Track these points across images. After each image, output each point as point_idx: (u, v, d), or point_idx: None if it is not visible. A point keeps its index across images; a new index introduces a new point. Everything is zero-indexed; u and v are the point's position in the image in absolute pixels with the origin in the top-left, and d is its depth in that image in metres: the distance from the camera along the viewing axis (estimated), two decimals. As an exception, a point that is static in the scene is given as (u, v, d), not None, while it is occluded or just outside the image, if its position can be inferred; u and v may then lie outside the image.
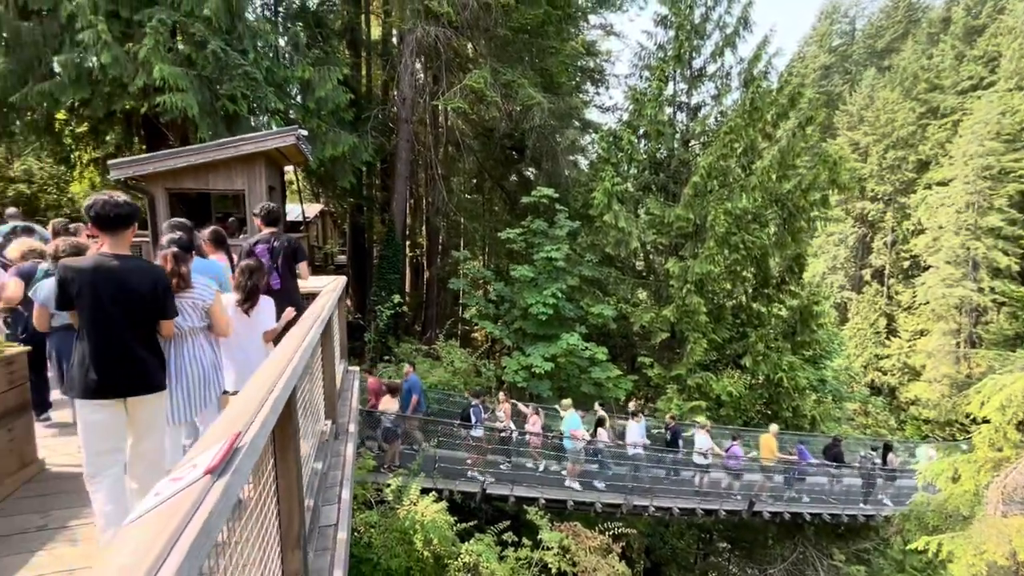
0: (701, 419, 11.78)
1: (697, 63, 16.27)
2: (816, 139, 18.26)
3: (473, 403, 9.81)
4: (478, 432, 9.70)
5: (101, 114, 11.21)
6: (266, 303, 3.69)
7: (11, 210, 6.95)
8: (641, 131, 16.61)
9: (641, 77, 17.58)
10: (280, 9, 15.29)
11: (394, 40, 20.59)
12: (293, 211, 16.74)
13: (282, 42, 13.10)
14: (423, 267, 26.95)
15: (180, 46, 10.97)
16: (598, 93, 23.21)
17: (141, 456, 2.67)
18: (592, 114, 23.82)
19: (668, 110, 16.41)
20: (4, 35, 10.05)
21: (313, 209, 21.16)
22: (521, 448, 10.40)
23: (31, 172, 16.91)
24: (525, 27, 16.57)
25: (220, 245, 4.44)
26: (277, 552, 2.19)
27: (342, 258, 24.80)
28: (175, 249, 3.02)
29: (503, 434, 10.31)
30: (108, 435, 2.58)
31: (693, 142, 16.66)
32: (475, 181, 25.95)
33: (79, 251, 3.54)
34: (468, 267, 16.53)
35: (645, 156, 16.74)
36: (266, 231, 4.69)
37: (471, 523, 7.70)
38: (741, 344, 15.03)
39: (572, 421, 10.07)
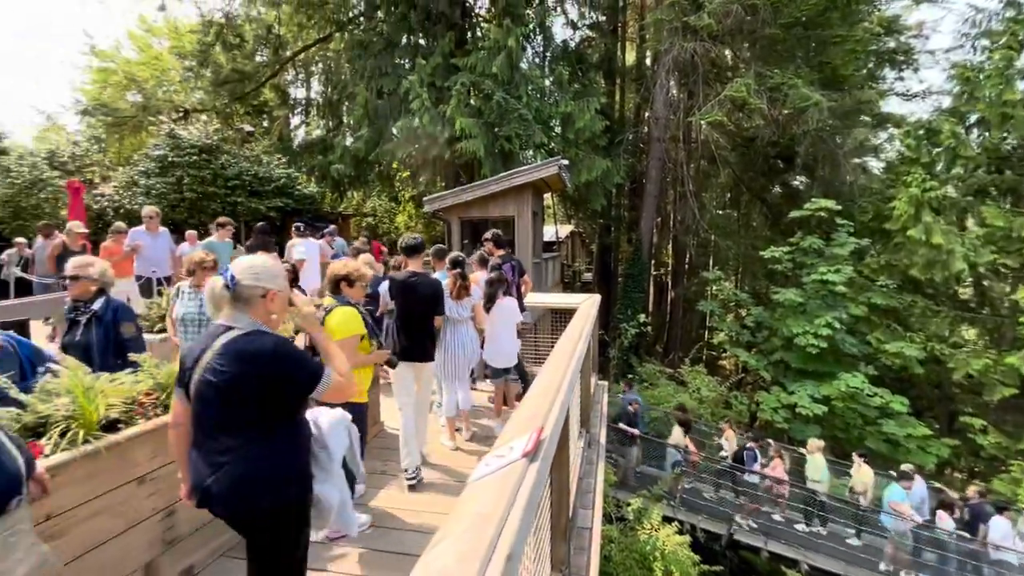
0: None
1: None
2: None
3: (748, 446, 9.07)
4: (753, 479, 8.86)
5: (419, 163, 14.59)
6: (509, 302, 4.79)
7: (331, 227, 9.55)
8: (973, 118, 12.69)
9: (974, 48, 13.50)
10: (547, 54, 17.30)
11: (647, 62, 20.91)
12: (548, 233, 18.55)
13: (547, 82, 14.73)
14: (667, 287, 26.20)
15: (472, 101, 13.48)
16: (900, 78, 18.73)
17: (422, 401, 3.91)
18: (891, 105, 19.32)
19: (1022, 86, 12.10)
20: (368, 112, 14.09)
21: (565, 230, 22.99)
22: (758, 492, 9.02)
23: (374, 208, 23.19)
24: (798, 20, 14.65)
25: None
26: (548, 539, 2.47)
27: (588, 276, 26.11)
28: (459, 270, 4.34)
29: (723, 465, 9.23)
30: (407, 385, 3.69)
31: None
32: (729, 195, 24.02)
33: (398, 267, 5.05)
34: (719, 288, 15.34)
35: (979, 151, 12.69)
36: (498, 253, 5.62)
37: (716, 568, 7.05)
38: None
39: (895, 492, 7.95)
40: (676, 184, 21.90)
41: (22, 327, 3.83)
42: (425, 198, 11.00)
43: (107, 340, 2.97)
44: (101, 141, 15.20)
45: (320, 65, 19.46)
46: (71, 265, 3.08)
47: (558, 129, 14.90)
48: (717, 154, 15.24)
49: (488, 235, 6.30)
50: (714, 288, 15.45)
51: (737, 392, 13.42)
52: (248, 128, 14.55)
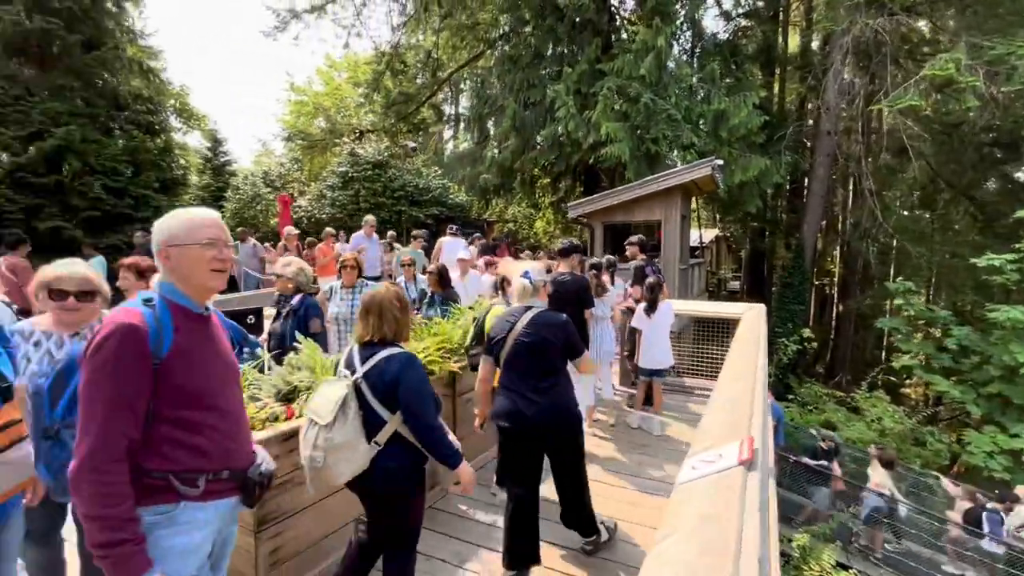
0: None
1: None
2: None
3: (989, 506, 7.23)
4: (993, 547, 6.97)
5: (560, 169, 14.86)
6: (666, 307, 4.88)
7: (477, 233, 10.01)
8: None
9: None
10: (696, 49, 16.38)
11: (814, 46, 18.63)
12: (691, 237, 17.49)
13: (695, 79, 13.94)
14: (832, 299, 23.00)
15: (617, 105, 13.32)
16: None
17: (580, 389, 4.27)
18: None
19: None
20: (515, 122, 14.74)
21: (709, 235, 21.50)
22: (998, 565, 7.21)
23: (514, 215, 24.20)
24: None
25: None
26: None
27: (735, 284, 24.08)
28: (593, 271, 4.82)
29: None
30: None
31: None
32: (918, 194, 20.23)
33: (549, 269, 5.32)
34: (906, 303, 12.99)
35: None
36: (640, 256, 5.77)
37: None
38: None
39: None
40: (848, 182, 19.15)
41: (257, 314, 4.73)
42: (569, 204, 11.16)
43: (298, 331, 3.38)
44: (299, 161, 18.21)
45: (468, 82, 20.97)
46: (281, 264, 3.76)
47: (708, 128, 14.02)
48: (909, 145, 12.94)
49: (633, 239, 6.27)
50: (899, 302, 13.10)
51: (932, 427, 11.22)
52: (412, 144, 16.25)
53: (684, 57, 15.68)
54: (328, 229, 6.69)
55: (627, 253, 6.27)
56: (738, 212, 16.66)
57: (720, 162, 9.84)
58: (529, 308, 2.69)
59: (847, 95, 13.72)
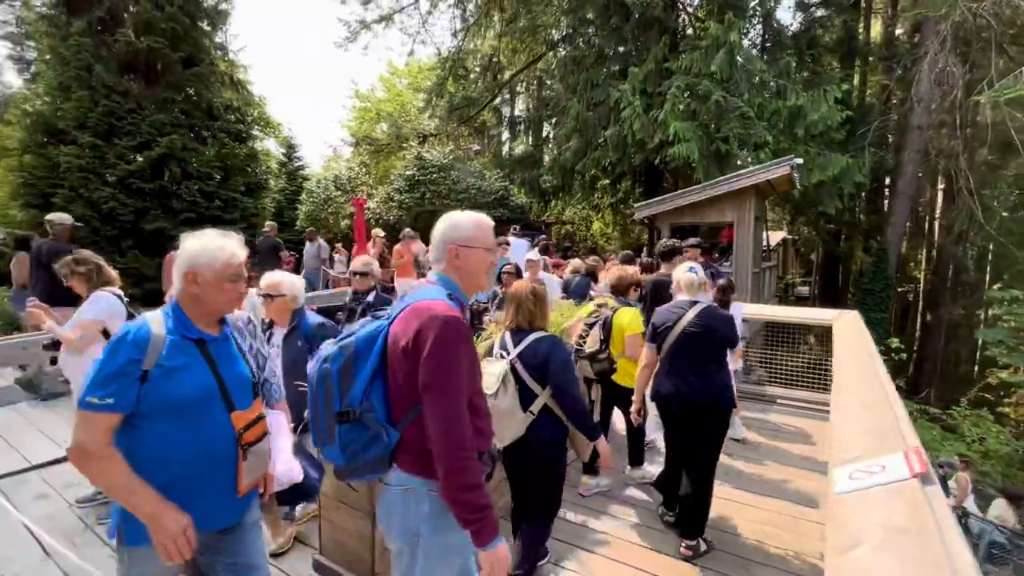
0: None
1: None
2: None
3: None
4: None
5: (624, 169, 14.62)
6: (736, 309, 4.61)
7: (542, 236, 9.97)
8: None
9: None
10: (768, 43, 15.66)
11: (901, 35, 17.33)
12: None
13: (769, 75, 13.32)
14: (915, 307, 21.27)
15: (683, 104, 12.95)
16: None
17: None
18: None
19: None
20: (578, 124, 14.66)
21: (776, 237, 20.44)
22: None
23: (572, 216, 24.09)
24: None
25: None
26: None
27: (804, 290, 22.79)
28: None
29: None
30: None
31: None
32: (1017, 193, 18.31)
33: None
34: (1011, 313, 11.80)
35: None
36: (702, 260, 5.41)
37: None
38: None
39: None
40: (938, 181, 17.69)
41: (351, 312, 4.97)
42: (636, 205, 10.98)
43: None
44: (367, 165, 18.97)
45: (525, 84, 21.06)
46: (359, 263, 3.91)
47: (783, 125, 13.36)
48: (1018, 139, 11.76)
49: (692, 241, 6.05)
50: (1002, 312, 11.92)
51: (1042, 451, 10.14)
52: (476, 147, 16.52)
53: (755, 51, 15.02)
54: (407, 230, 6.94)
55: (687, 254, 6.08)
56: (812, 213, 15.76)
57: (800, 161, 9.37)
58: (696, 302, 2.93)
59: (943, 86, 12.66)
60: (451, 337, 1.31)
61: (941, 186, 17.70)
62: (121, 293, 3.17)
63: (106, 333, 2.98)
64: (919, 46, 13.60)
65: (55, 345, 3.49)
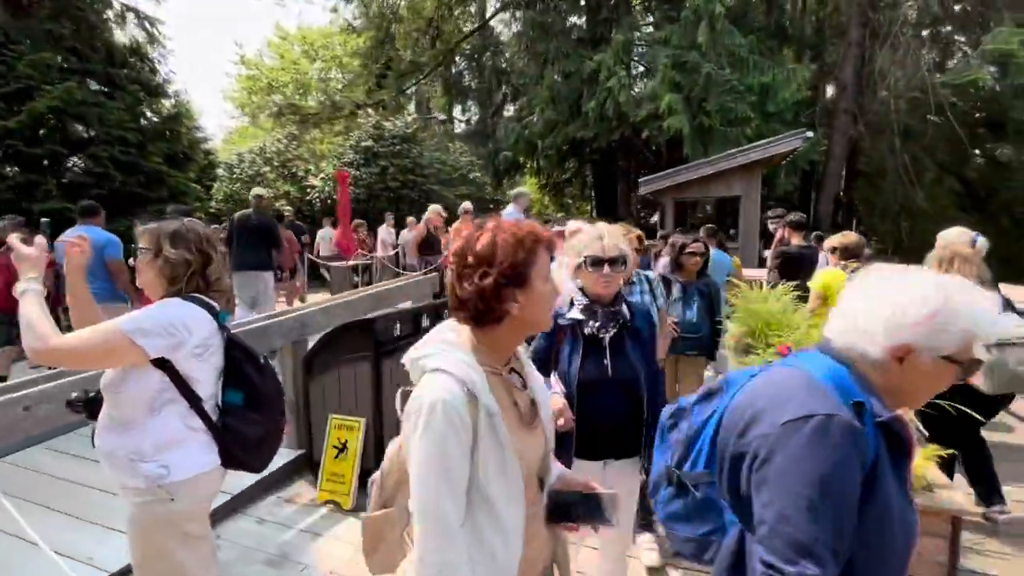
0: None
1: None
2: None
3: None
4: None
5: (601, 144, 13.97)
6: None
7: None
8: None
9: None
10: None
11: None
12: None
13: (745, 50, 13.46)
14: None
15: (666, 77, 12.64)
16: None
17: None
18: None
19: None
20: (551, 94, 13.73)
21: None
22: None
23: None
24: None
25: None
26: None
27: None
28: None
29: None
30: None
31: None
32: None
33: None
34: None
35: None
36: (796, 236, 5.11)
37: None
38: None
39: None
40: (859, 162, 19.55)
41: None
42: (641, 180, 10.47)
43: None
44: (296, 138, 16.35)
45: (471, 51, 19.44)
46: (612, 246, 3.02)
47: (753, 100, 13.63)
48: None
49: (794, 216, 5.81)
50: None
51: None
52: (441, 116, 14.90)
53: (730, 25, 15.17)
54: (466, 204, 5.67)
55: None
56: (765, 191, 16.52)
57: (811, 134, 9.46)
58: None
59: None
60: None
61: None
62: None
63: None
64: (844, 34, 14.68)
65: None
